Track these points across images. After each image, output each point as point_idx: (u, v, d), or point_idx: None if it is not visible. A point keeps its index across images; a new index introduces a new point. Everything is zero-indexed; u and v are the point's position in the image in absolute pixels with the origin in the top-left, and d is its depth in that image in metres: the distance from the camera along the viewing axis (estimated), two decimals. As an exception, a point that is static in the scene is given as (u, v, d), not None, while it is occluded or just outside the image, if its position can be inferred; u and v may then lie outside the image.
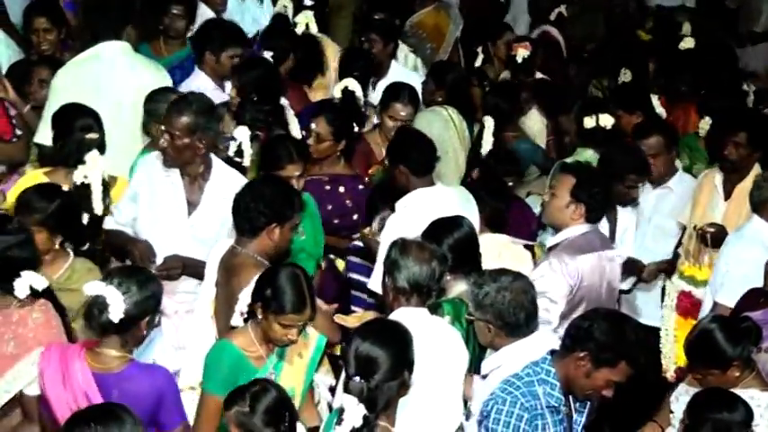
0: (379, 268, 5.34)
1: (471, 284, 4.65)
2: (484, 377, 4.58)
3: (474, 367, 4.71)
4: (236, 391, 4.04)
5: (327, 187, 6.22)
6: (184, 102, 5.32)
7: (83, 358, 4.18)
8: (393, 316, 4.60)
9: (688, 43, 8.99)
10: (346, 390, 3.81)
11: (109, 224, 5.34)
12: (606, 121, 6.87)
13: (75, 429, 3.58)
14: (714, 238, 5.91)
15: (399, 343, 3.92)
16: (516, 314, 4.44)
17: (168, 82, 6.40)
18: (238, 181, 5.36)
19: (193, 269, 5.24)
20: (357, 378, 3.82)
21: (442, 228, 5.09)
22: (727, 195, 6.24)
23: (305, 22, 7.90)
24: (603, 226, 5.81)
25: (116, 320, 4.11)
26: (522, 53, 8.26)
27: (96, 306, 4.13)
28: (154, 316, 4.36)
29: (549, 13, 9.83)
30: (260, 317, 4.39)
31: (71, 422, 3.62)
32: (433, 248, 4.74)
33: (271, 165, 5.56)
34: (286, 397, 4.09)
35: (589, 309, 5.11)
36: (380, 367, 3.80)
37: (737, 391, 4.41)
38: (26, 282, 4.34)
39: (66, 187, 5.15)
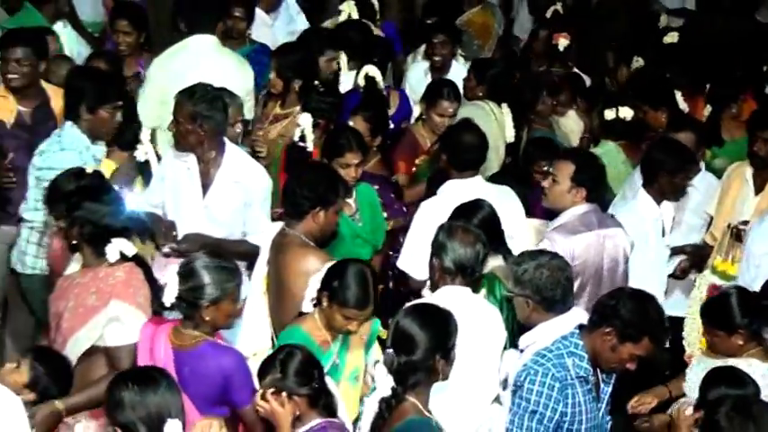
0: (407, 247, 5.71)
1: (510, 263, 4.84)
2: (521, 351, 4.69)
3: (510, 341, 4.93)
4: (266, 361, 4.27)
5: None
6: (189, 92, 5.66)
7: (167, 335, 4.49)
8: (438, 294, 4.82)
9: (672, 38, 9.15)
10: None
11: (143, 204, 5.57)
12: (626, 113, 7.11)
13: (114, 389, 3.81)
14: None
15: (439, 328, 4.03)
16: (553, 290, 4.56)
17: (250, 75, 6.78)
18: (251, 166, 5.79)
19: (213, 247, 5.37)
20: (390, 351, 4.00)
21: (467, 210, 5.36)
22: (758, 190, 6.36)
23: (348, 11, 8.44)
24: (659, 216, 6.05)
25: (168, 304, 4.47)
26: (562, 42, 8.60)
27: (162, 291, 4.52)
28: (232, 302, 4.57)
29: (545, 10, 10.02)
30: (325, 305, 4.63)
31: (113, 382, 3.87)
32: (478, 232, 4.96)
33: (332, 152, 5.84)
34: (312, 357, 4.28)
35: (587, 285, 5.53)
36: (415, 346, 3.95)
37: (738, 360, 4.68)
38: (116, 247, 4.61)
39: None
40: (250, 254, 5.60)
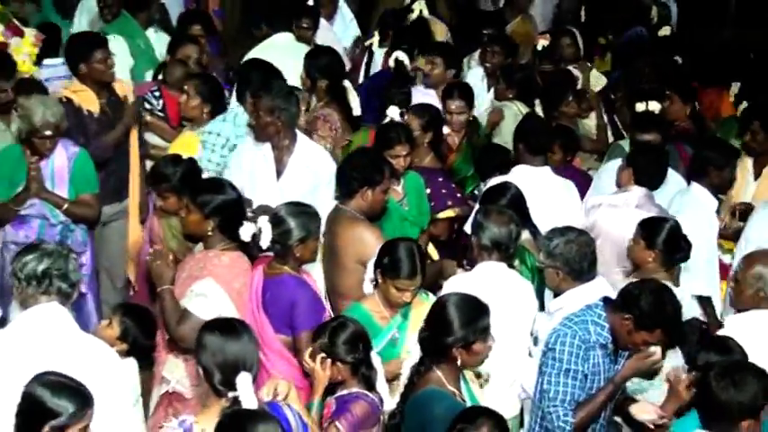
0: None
1: (543, 238, 5.21)
2: (549, 315, 5.09)
3: (540, 305, 5.28)
4: (319, 327, 4.62)
5: None
6: (268, 87, 6.19)
7: (264, 267, 5.00)
8: (477, 269, 5.17)
9: (665, 31, 9.58)
10: None
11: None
12: (654, 106, 7.40)
13: (203, 332, 4.06)
14: (742, 212, 6.33)
15: (470, 316, 4.28)
16: (581, 262, 4.95)
17: None
18: (319, 152, 6.26)
19: None
20: (424, 324, 4.38)
21: (497, 191, 5.77)
22: (757, 176, 6.75)
23: (419, 8, 9.17)
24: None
25: (264, 246, 4.95)
26: (542, 42, 9.06)
27: (255, 235, 4.97)
28: (315, 239, 5.09)
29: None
30: (380, 281, 4.93)
31: (204, 326, 4.12)
32: (511, 213, 5.28)
33: (383, 144, 6.11)
34: (362, 332, 4.55)
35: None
36: (445, 325, 4.25)
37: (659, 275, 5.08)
38: (249, 230, 5.00)
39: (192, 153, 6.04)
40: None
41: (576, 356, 4.51)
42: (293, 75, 7.21)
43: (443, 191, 6.46)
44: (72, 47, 6.82)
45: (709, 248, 6.11)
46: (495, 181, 6.18)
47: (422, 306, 4.86)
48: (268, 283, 4.97)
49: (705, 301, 6.06)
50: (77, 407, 3.57)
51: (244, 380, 3.81)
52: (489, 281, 4.96)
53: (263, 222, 4.96)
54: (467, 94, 7.24)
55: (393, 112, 6.65)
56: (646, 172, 6.12)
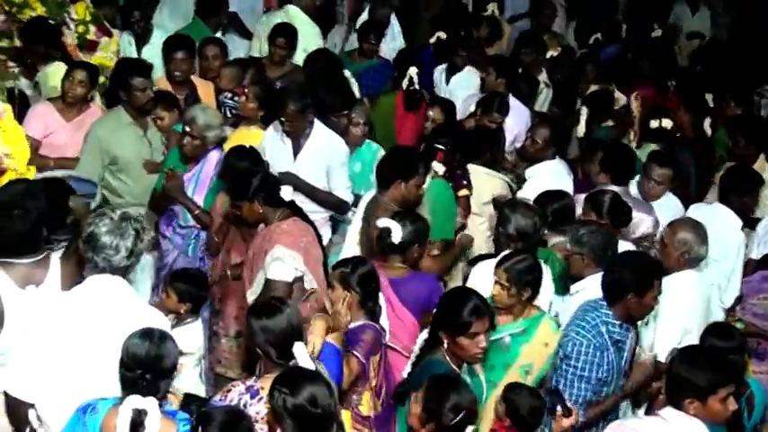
0: None
1: (572, 227, 5.50)
2: (571, 294, 5.36)
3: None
4: (343, 260, 5.02)
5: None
6: (295, 93, 6.52)
7: (378, 271, 5.02)
8: (502, 256, 5.25)
9: (657, 33, 10.08)
10: None
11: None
12: (667, 123, 7.85)
13: (248, 319, 4.21)
14: None
15: (455, 313, 4.51)
16: (605, 250, 5.26)
17: None
18: (332, 137, 6.56)
19: (306, 189, 6.37)
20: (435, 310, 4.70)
21: (551, 196, 5.99)
22: None
23: (492, 9, 9.99)
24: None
25: (397, 242, 5.20)
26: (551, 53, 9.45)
27: (385, 232, 5.24)
28: (422, 245, 5.31)
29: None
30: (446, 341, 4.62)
31: (247, 314, 4.29)
32: (535, 207, 5.56)
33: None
34: (375, 273, 4.88)
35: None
36: (447, 315, 4.54)
37: None
38: (287, 191, 5.44)
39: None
40: (336, 204, 6.53)
41: (591, 364, 4.71)
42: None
43: (458, 172, 6.62)
44: (114, 72, 7.13)
45: (737, 264, 6.43)
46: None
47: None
48: (397, 283, 5.18)
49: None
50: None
51: (299, 348, 4.03)
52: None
53: (392, 223, 5.23)
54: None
55: (412, 72, 7.59)
56: (620, 172, 6.63)
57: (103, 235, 4.10)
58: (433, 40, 8.83)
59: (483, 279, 5.24)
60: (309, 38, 8.80)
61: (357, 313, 4.80)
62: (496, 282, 4.92)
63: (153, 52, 7.88)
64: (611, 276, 4.84)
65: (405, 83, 7.87)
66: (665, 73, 9.45)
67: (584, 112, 7.92)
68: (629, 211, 5.91)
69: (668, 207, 6.62)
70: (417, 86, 7.85)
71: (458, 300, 4.57)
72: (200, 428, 3.72)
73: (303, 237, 5.35)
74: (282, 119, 6.41)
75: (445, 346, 4.49)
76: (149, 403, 3.66)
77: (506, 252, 5.19)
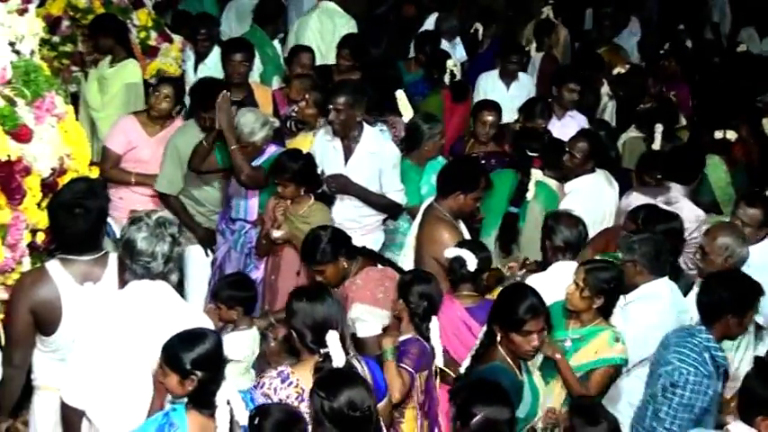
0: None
1: (624, 235, 5.40)
2: (625, 304, 5.18)
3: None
4: (408, 272, 5.09)
5: (482, 162, 7.02)
6: (343, 84, 6.61)
7: (453, 300, 5.09)
8: (552, 269, 5.42)
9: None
10: None
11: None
12: (731, 135, 7.82)
13: (291, 299, 4.25)
14: None
15: (509, 313, 4.52)
16: (658, 257, 5.16)
17: None
18: (383, 141, 6.56)
19: (359, 192, 6.36)
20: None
21: (659, 218, 5.82)
22: None
23: (547, 12, 10.08)
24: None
25: (472, 270, 5.12)
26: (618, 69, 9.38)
27: (457, 263, 5.17)
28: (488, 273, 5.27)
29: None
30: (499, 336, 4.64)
31: (291, 294, 4.33)
32: (578, 217, 5.55)
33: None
34: (432, 295, 4.81)
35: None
36: (503, 312, 4.53)
37: None
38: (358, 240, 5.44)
39: (305, 150, 6.30)
40: (388, 206, 6.49)
41: (697, 393, 4.59)
42: (332, 34, 8.24)
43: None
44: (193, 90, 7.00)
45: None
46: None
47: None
48: (475, 311, 5.09)
49: None
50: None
51: (332, 337, 4.02)
52: (563, 279, 5.13)
53: (466, 252, 5.17)
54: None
55: (450, 65, 7.82)
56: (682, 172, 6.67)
57: (140, 241, 4.11)
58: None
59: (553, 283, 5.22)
60: (346, 31, 9.07)
61: (407, 327, 4.82)
62: (574, 280, 4.88)
63: (207, 71, 7.90)
64: (709, 297, 4.74)
65: (447, 78, 7.94)
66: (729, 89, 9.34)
67: (659, 128, 7.77)
68: (663, 218, 5.82)
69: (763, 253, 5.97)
70: (459, 77, 7.95)
71: (515, 296, 4.56)
72: (256, 421, 3.75)
73: (379, 286, 5.24)
74: (331, 117, 6.38)
75: (499, 339, 4.50)
76: (230, 390, 3.71)
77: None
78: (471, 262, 5.12)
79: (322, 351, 4.08)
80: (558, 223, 5.50)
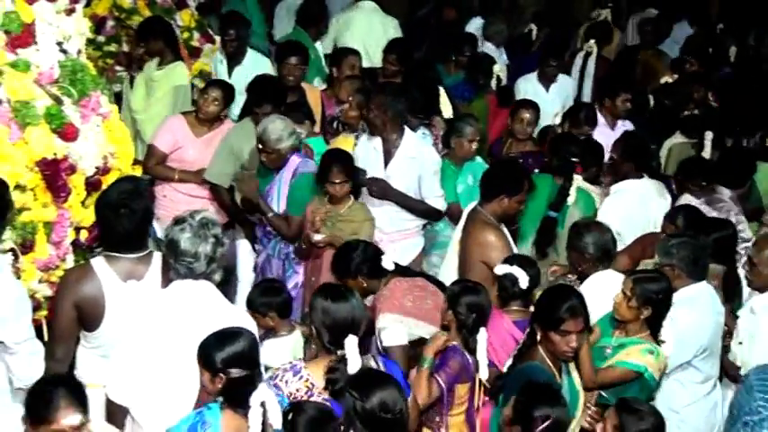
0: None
1: (662, 239, 5.40)
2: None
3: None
4: (457, 281, 5.05)
5: (520, 160, 7.07)
6: (382, 86, 6.70)
7: (501, 314, 5.04)
8: (591, 280, 5.35)
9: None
10: None
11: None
12: None
13: (315, 296, 4.23)
14: None
15: (553, 304, 4.55)
16: (696, 261, 5.13)
17: None
18: (424, 147, 6.58)
19: (398, 197, 6.37)
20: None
21: (714, 226, 5.82)
22: None
23: (605, 15, 10.22)
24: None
25: (524, 287, 5.03)
26: (666, 79, 9.34)
27: (509, 280, 5.07)
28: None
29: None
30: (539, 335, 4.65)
31: (316, 291, 4.33)
32: (605, 224, 5.59)
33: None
34: (481, 305, 4.74)
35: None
36: (541, 312, 4.58)
37: None
38: (389, 261, 5.30)
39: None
40: (428, 212, 6.48)
41: None
42: (376, 35, 8.30)
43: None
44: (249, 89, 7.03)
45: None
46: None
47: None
48: (521, 324, 5.03)
49: None
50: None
51: (351, 342, 4.01)
52: (609, 289, 5.07)
53: (517, 270, 5.10)
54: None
55: (496, 69, 7.99)
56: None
57: (183, 242, 4.15)
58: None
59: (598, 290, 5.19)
60: (392, 31, 9.25)
61: (455, 337, 4.75)
62: (622, 290, 4.84)
63: (244, 73, 7.82)
64: None
65: (493, 82, 7.99)
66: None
67: (709, 135, 7.71)
68: (717, 227, 5.83)
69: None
70: (506, 82, 8.02)
71: (557, 296, 4.58)
72: (290, 416, 3.75)
73: (407, 295, 5.20)
74: (370, 116, 6.42)
75: (539, 339, 4.52)
76: (265, 392, 3.72)
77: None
78: (523, 279, 5.07)
79: (338, 353, 4.08)
80: (588, 232, 5.47)
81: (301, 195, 6.20)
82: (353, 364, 3.99)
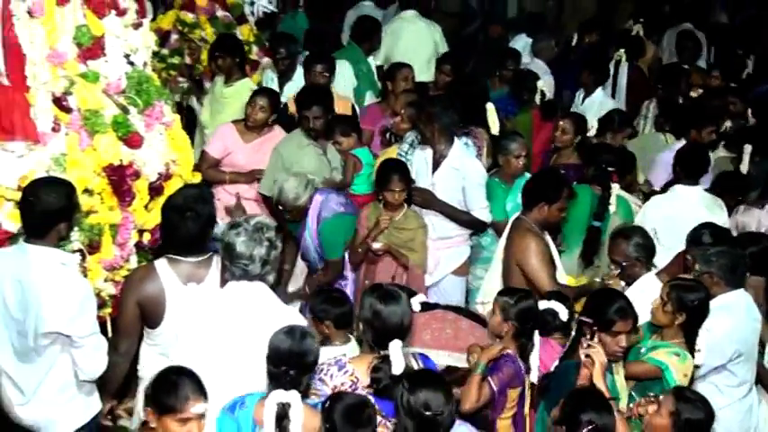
0: None
1: (700, 247, 5.26)
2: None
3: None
4: (511, 290, 4.91)
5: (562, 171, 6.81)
6: (432, 98, 6.67)
7: (550, 344, 4.99)
8: (638, 284, 5.32)
9: None
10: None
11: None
12: None
13: (364, 294, 4.25)
14: None
15: (601, 307, 4.53)
16: (734, 269, 5.06)
17: None
18: (469, 159, 6.45)
19: (442, 207, 6.28)
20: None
21: (751, 239, 5.74)
22: None
23: (637, 30, 10.02)
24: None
25: (565, 320, 5.06)
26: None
27: (550, 314, 5.06)
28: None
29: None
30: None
31: (366, 290, 4.37)
32: (641, 227, 5.66)
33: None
34: (536, 315, 4.76)
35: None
36: (594, 312, 4.52)
37: None
38: (417, 302, 5.12)
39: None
40: (472, 223, 6.39)
41: None
42: (424, 42, 8.43)
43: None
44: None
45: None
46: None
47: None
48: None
49: None
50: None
51: (395, 346, 4.02)
52: (648, 294, 5.07)
53: (556, 304, 5.13)
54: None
55: (540, 85, 7.90)
56: None
57: (239, 245, 4.18)
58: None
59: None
60: (438, 36, 9.40)
61: (509, 345, 4.70)
62: (660, 295, 4.85)
63: (294, 87, 7.79)
64: None
65: (537, 97, 7.94)
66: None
67: (748, 149, 7.50)
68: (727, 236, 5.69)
69: None
70: (549, 96, 7.99)
71: (606, 299, 4.61)
72: (327, 405, 3.76)
73: (425, 329, 5.16)
74: (420, 127, 6.44)
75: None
76: (292, 396, 3.72)
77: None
78: (563, 313, 5.10)
79: (381, 352, 4.10)
80: (632, 235, 5.49)
81: (335, 240, 6.08)
82: (397, 367, 4.01)
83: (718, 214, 6.41)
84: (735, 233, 6.34)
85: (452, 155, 6.38)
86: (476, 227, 6.46)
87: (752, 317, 5.17)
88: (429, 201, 6.30)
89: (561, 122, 7.28)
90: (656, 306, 4.82)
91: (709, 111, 8.32)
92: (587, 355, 4.33)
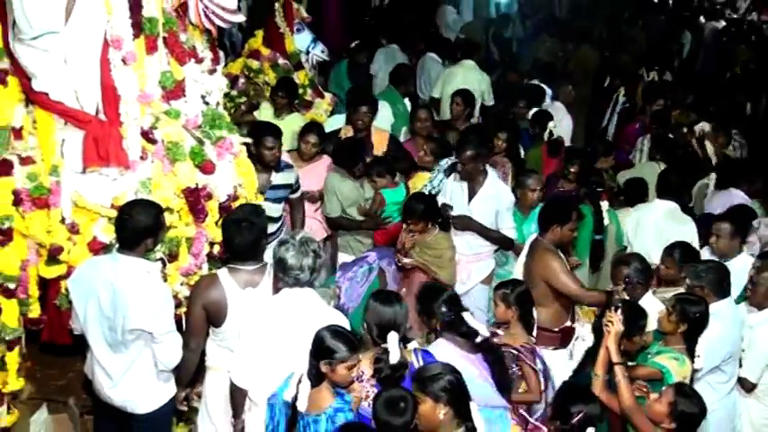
0: None
1: (691, 265, 5.35)
2: None
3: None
4: (507, 282, 5.09)
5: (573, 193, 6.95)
6: (469, 137, 6.59)
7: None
8: (641, 302, 5.23)
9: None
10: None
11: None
12: None
13: (369, 301, 4.39)
14: None
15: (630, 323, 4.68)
16: (721, 282, 5.19)
17: None
18: (502, 187, 6.54)
19: (478, 228, 6.35)
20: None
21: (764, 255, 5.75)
22: None
23: (653, 76, 10.25)
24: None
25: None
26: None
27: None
28: None
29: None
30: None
31: (373, 294, 4.47)
32: (640, 255, 5.62)
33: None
34: (530, 292, 4.97)
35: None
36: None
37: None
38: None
39: (421, 184, 6.60)
40: (503, 240, 6.47)
41: None
42: (474, 86, 8.69)
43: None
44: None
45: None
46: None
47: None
48: None
49: None
50: (348, 349, 3.93)
51: (392, 338, 4.09)
52: (649, 309, 5.12)
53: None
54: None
55: (551, 125, 7.91)
56: None
57: (289, 259, 4.29)
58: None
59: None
60: (485, 85, 9.76)
61: (516, 327, 4.84)
62: (666, 306, 4.94)
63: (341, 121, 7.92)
64: None
65: (546, 135, 8.05)
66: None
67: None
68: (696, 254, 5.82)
69: None
70: (556, 136, 8.07)
71: (634, 314, 4.78)
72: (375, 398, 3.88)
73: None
74: (459, 167, 6.52)
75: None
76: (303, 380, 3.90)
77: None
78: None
79: (383, 346, 4.16)
80: (632, 262, 5.49)
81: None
82: (394, 356, 4.08)
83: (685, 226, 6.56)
84: (758, 246, 6.41)
85: (488, 183, 6.49)
86: (504, 243, 6.57)
87: (738, 321, 5.29)
88: (468, 224, 6.41)
89: (570, 164, 7.17)
90: (663, 315, 4.93)
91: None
92: (608, 323, 4.48)
